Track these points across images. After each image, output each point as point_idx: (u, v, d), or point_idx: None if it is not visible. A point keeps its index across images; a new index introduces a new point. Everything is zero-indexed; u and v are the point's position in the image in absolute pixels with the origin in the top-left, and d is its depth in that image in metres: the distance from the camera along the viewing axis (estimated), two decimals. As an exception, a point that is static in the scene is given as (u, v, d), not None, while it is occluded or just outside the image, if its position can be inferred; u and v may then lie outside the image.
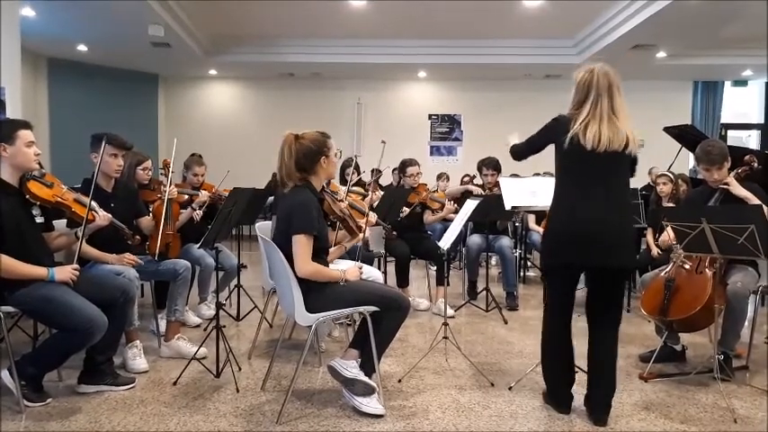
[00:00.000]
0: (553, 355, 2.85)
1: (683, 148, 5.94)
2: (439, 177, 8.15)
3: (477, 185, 5.75)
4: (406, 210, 4.98)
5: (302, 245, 2.68)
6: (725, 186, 3.34)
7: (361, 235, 3.25)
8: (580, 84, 2.67)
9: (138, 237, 3.41)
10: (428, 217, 5.28)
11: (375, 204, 4.58)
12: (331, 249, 3.10)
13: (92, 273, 3.17)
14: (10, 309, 2.75)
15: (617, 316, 2.77)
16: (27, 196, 2.86)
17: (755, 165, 3.45)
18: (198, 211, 4.09)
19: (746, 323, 3.52)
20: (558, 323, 2.81)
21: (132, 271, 3.28)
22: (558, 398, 2.85)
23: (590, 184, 2.63)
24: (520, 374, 3.29)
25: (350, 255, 3.91)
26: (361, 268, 2.96)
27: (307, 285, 2.73)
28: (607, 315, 2.75)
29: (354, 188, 5.06)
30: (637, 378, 3.30)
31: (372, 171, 4.94)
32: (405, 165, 5.22)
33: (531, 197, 4.39)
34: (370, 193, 4.84)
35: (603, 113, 2.60)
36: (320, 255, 2.81)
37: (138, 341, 3.34)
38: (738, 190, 3.30)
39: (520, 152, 2.97)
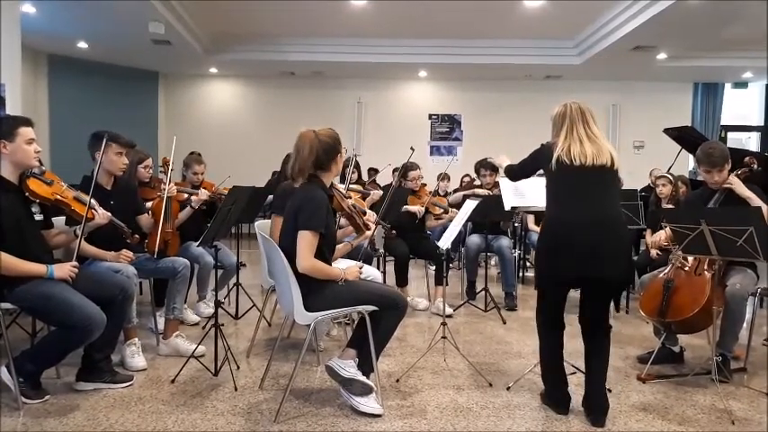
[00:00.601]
0: (551, 361, 2.88)
1: (683, 149, 5.95)
2: (440, 178, 8.15)
3: (476, 186, 5.75)
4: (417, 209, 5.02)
5: (307, 241, 2.66)
6: (728, 186, 3.35)
7: (368, 232, 3.24)
8: (556, 117, 2.86)
9: (137, 236, 3.40)
10: (430, 222, 5.29)
11: (374, 204, 4.59)
12: (337, 247, 3.08)
13: (90, 270, 3.17)
14: (8, 306, 2.75)
15: (606, 321, 2.82)
16: (26, 194, 2.85)
17: (755, 167, 3.46)
18: (200, 198, 4.05)
19: (745, 325, 3.52)
20: (553, 332, 2.86)
21: (131, 268, 3.28)
22: (556, 398, 2.86)
23: (581, 198, 2.71)
24: (518, 375, 3.29)
25: (351, 254, 3.90)
26: (361, 268, 2.95)
27: (306, 284, 2.72)
28: (598, 322, 2.81)
29: (353, 186, 5.06)
30: (635, 379, 3.30)
31: (369, 170, 4.94)
32: (407, 169, 5.22)
33: (531, 198, 4.41)
34: (371, 192, 4.85)
35: (582, 135, 2.76)
36: (325, 254, 2.80)
37: (136, 339, 3.34)
38: (742, 189, 3.31)
39: (514, 174, 3.20)
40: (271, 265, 2.96)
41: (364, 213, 3.78)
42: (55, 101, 9.26)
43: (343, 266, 2.87)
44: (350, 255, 3.63)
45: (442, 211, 5.24)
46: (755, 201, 3.24)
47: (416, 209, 5.02)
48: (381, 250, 4.91)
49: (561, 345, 2.87)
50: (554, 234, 2.76)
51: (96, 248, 3.30)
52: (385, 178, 7.55)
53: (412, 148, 3.96)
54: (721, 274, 3.30)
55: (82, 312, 2.66)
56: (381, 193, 4.77)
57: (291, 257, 2.70)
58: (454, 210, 5.16)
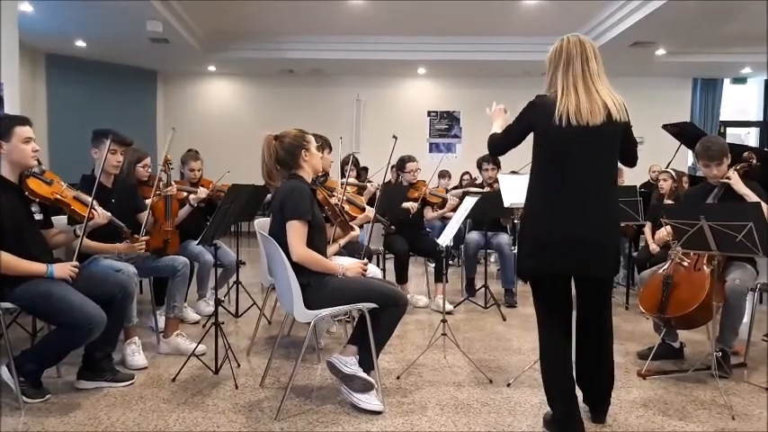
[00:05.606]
0: (560, 371, 2.46)
1: (682, 145, 5.95)
2: (440, 176, 8.15)
3: (477, 185, 5.75)
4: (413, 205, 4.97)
5: (296, 230, 2.69)
6: (726, 180, 3.35)
7: (353, 232, 3.24)
8: (551, 55, 2.36)
9: (136, 236, 3.39)
10: (429, 213, 5.28)
11: (372, 197, 4.58)
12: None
13: (91, 269, 3.16)
14: (9, 305, 2.75)
15: (609, 324, 2.55)
16: (26, 193, 2.85)
17: (754, 161, 3.45)
18: (199, 197, 4.07)
19: (745, 320, 3.52)
20: (555, 334, 2.47)
21: (131, 267, 3.28)
22: (567, 422, 2.45)
23: (568, 180, 2.32)
24: (518, 371, 3.30)
25: (350, 252, 3.90)
26: (366, 265, 2.95)
27: (306, 281, 2.73)
28: (595, 320, 2.53)
29: (350, 181, 5.06)
30: (635, 375, 3.31)
31: (345, 169, 4.84)
32: (404, 161, 5.22)
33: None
34: (368, 186, 4.85)
35: (578, 78, 2.27)
36: (319, 247, 2.82)
37: (136, 338, 3.34)
38: (739, 185, 3.31)
39: (497, 144, 2.57)
40: (270, 263, 2.96)
41: (363, 210, 3.79)
42: (53, 100, 9.25)
43: (344, 263, 2.87)
44: (351, 253, 3.64)
45: (440, 200, 5.23)
46: (752, 198, 3.24)
47: (409, 205, 4.96)
48: (380, 248, 4.91)
49: (568, 349, 2.47)
50: (532, 226, 2.41)
51: (102, 244, 3.28)
52: (383, 177, 7.53)
53: (394, 137, 3.90)
54: (720, 269, 3.30)
55: (82, 311, 2.66)
56: (377, 185, 4.76)
57: (286, 254, 2.70)
58: (453, 198, 5.15)
